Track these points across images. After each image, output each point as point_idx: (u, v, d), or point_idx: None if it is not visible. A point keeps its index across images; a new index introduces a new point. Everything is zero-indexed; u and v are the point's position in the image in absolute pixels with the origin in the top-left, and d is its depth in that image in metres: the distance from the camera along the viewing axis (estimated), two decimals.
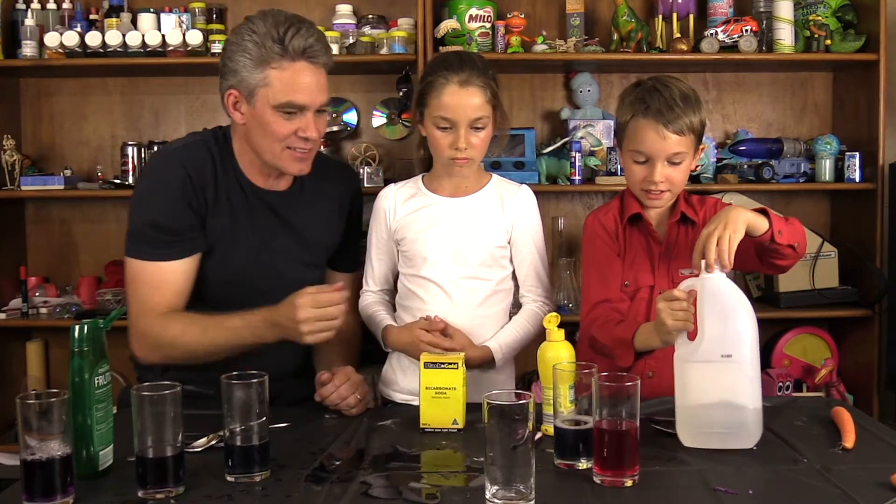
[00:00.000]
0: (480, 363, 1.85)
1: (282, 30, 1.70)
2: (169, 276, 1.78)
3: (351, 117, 3.10)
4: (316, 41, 1.75)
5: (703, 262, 1.51)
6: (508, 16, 2.89)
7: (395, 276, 2.00)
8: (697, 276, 1.51)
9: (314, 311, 1.64)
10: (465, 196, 1.92)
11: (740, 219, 1.57)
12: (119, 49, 2.82)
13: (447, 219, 1.90)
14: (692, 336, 1.48)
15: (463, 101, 1.81)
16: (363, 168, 2.92)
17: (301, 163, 1.81)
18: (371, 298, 1.98)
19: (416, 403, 1.66)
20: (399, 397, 1.93)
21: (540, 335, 1.85)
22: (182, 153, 1.87)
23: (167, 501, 1.24)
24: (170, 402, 1.26)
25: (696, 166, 2.86)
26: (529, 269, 1.94)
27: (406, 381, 1.91)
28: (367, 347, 2.01)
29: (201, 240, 1.82)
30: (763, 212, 1.64)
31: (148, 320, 1.78)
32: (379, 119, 3.10)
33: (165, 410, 1.25)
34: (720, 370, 1.42)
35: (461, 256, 1.88)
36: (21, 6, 2.95)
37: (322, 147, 2.93)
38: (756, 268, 1.80)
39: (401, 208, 1.95)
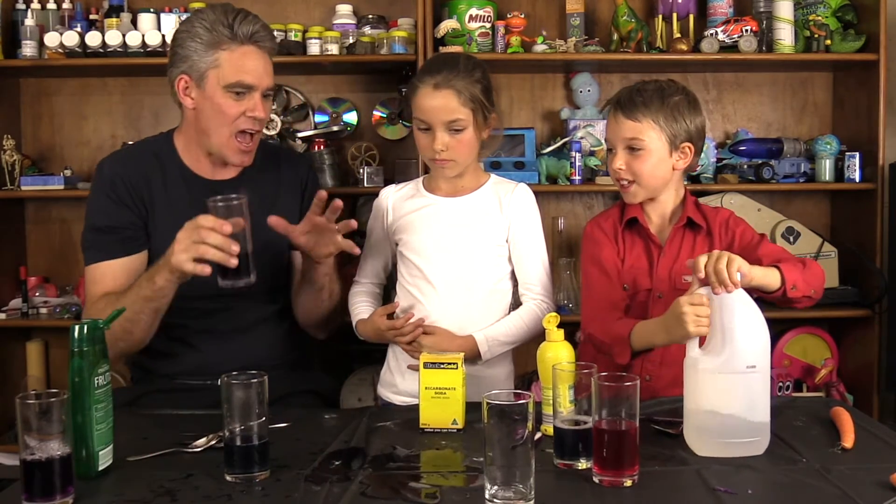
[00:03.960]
0: (465, 354, 1.83)
1: (230, 17, 1.82)
2: (106, 272, 1.85)
3: (351, 117, 3.10)
4: (262, 28, 1.86)
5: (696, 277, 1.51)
6: (508, 16, 2.89)
7: (387, 271, 2.03)
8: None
9: (191, 232, 1.61)
10: (462, 196, 1.93)
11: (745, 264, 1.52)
12: (119, 49, 2.82)
13: (445, 218, 1.91)
14: (702, 342, 1.48)
15: (435, 103, 1.83)
16: (363, 168, 2.92)
17: (244, 155, 1.89)
18: (357, 289, 2.01)
19: (414, 405, 1.66)
20: (397, 399, 1.92)
21: (536, 334, 1.85)
22: (112, 158, 1.97)
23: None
24: None
25: (696, 166, 2.87)
26: (527, 267, 1.93)
27: (405, 383, 1.91)
28: (366, 348, 2.01)
29: (142, 238, 1.88)
30: (777, 267, 1.62)
31: (87, 313, 1.84)
32: (379, 119, 3.10)
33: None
34: (744, 382, 1.41)
35: (458, 256, 1.88)
36: (21, 6, 2.95)
37: (323, 146, 2.97)
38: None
39: (399, 208, 1.95)
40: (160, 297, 1.72)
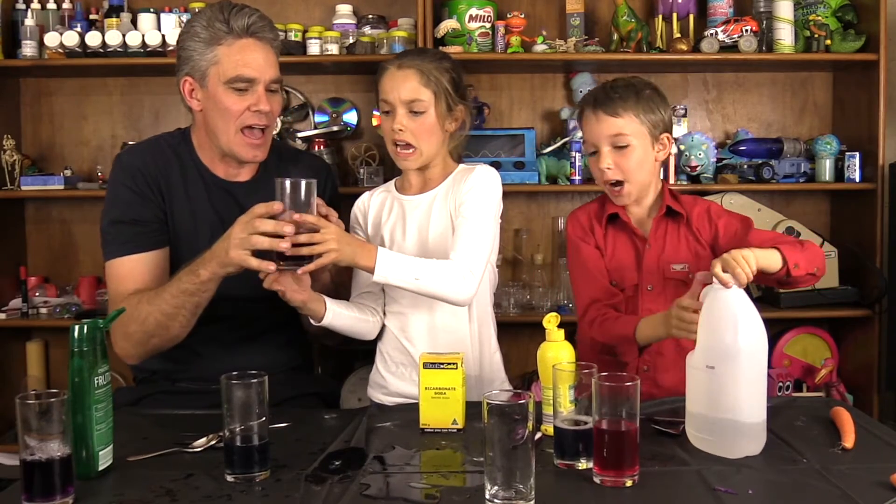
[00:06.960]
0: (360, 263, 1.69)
1: (226, 12, 1.81)
2: (135, 267, 1.81)
3: (351, 117, 3.10)
4: (259, 19, 1.83)
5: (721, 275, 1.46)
6: (508, 16, 2.89)
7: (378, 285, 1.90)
8: (695, 274, 1.51)
9: (245, 225, 1.58)
10: (429, 191, 1.90)
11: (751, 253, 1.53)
12: (119, 49, 2.82)
13: (411, 217, 1.88)
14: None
15: (397, 82, 1.83)
16: (363, 168, 2.92)
17: (255, 150, 1.86)
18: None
19: (413, 404, 1.65)
20: (388, 401, 1.90)
21: (440, 287, 1.70)
22: (129, 151, 1.97)
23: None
24: None
25: (696, 166, 2.86)
26: (458, 232, 1.78)
27: (396, 383, 1.89)
28: (364, 348, 2.00)
29: (164, 234, 1.86)
30: (776, 248, 1.62)
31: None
32: (379, 119, 3.10)
33: None
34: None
35: (427, 254, 1.83)
36: (21, 6, 2.95)
37: (323, 146, 2.97)
38: (769, 284, 1.79)
39: (372, 214, 1.93)
40: (202, 292, 1.68)
